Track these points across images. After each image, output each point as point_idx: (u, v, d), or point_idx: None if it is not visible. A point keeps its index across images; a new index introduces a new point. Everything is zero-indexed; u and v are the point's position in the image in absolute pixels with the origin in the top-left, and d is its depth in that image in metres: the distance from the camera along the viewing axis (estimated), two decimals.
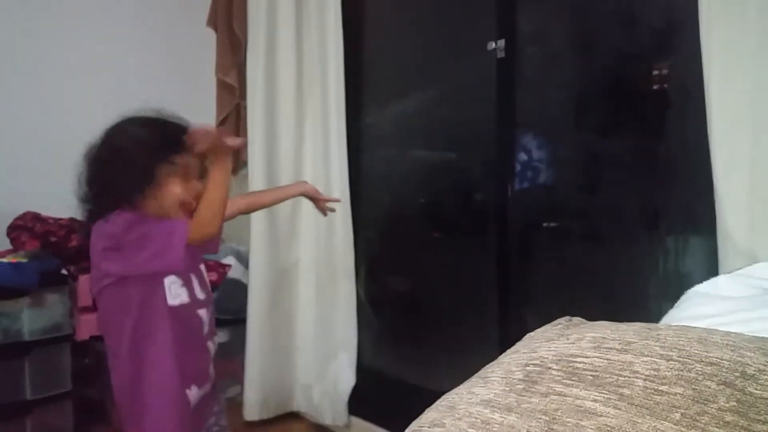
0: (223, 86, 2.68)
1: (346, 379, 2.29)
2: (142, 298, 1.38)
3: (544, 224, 1.99)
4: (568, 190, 1.94)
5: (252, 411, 2.38)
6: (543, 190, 1.99)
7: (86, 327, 2.15)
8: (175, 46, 2.83)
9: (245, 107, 2.54)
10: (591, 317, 0.86)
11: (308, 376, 2.40)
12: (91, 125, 2.58)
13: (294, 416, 2.48)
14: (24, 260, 1.95)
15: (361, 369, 2.32)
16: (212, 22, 2.71)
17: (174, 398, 1.42)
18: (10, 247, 2.18)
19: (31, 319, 1.96)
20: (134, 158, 1.41)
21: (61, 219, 2.24)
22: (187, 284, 1.44)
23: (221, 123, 2.72)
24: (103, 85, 2.64)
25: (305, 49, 2.39)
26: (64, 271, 2.14)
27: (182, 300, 1.42)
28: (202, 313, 1.47)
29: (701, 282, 1.09)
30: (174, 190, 1.41)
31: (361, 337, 2.34)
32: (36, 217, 2.21)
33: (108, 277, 1.37)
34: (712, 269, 1.32)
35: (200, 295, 1.46)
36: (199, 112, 2.82)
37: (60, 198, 2.32)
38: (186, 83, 2.85)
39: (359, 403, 2.30)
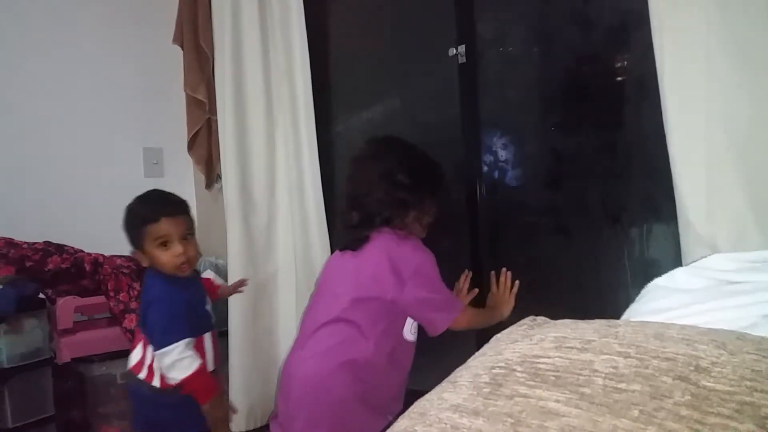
0: (192, 102, 2.68)
1: None
2: (394, 322, 1.53)
3: (513, 222, 2.02)
4: (534, 187, 1.98)
5: (239, 422, 2.38)
6: (510, 188, 2.03)
7: (67, 349, 2.14)
8: (143, 64, 2.82)
9: (216, 121, 2.54)
10: (564, 311, 0.88)
11: None
12: (61, 147, 2.61)
13: None
14: None
15: None
16: (178, 39, 2.70)
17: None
18: None
19: (9, 345, 1.94)
20: (433, 188, 1.61)
21: (35, 243, 2.23)
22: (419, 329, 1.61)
23: (193, 138, 2.72)
24: (73, 108, 2.63)
25: (272, 61, 2.40)
26: (41, 295, 2.12)
27: (413, 339, 1.59)
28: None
29: (670, 271, 1.12)
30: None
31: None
32: (9, 242, 2.19)
33: (389, 294, 1.48)
34: (678, 259, 1.35)
35: None
36: (170, 128, 2.83)
37: (33, 222, 2.34)
38: (156, 101, 2.85)
39: None
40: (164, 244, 1.62)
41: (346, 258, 1.56)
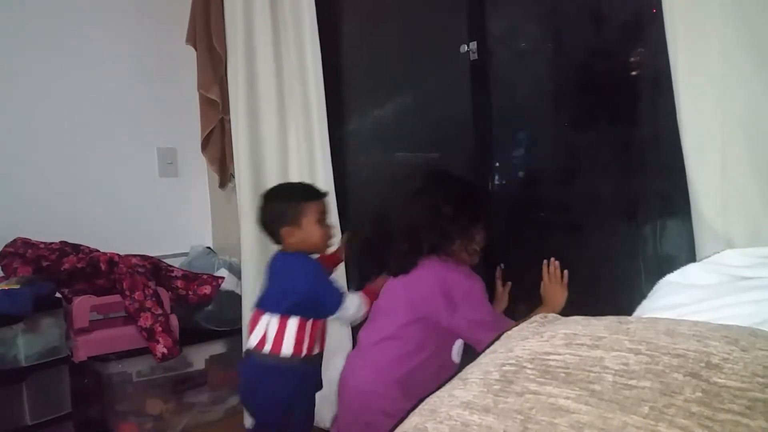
0: (206, 102, 2.69)
1: None
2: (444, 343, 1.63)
3: (526, 218, 2.02)
4: (547, 183, 1.98)
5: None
6: (523, 185, 2.02)
7: (84, 348, 2.17)
8: (156, 65, 2.84)
9: (229, 121, 2.55)
10: (577, 307, 0.87)
11: None
12: (76, 148, 2.64)
13: None
14: (16, 287, 1.96)
15: None
16: (191, 39, 2.71)
17: None
18: (1, 274, 2.19)
19: (26, 344, 1.96)
20: (477, 219, 1.67)
21: (52, 243, 2.25)
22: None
23: (206, 137, 2.73)
24: (87, 109, 2.66)
25: (284, 61, 2.41)
26: (58, 295, 2.14)
27: (458, 361, 1.66)
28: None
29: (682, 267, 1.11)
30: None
31: (355, 340, 2.35)
32: (26, 242, 2.22)
33: (440, 317, 1.57)
34: (693, 255, 1.34)
35: None
36: (184, 128, 2.85)
37: (49, 222, 2.36)
38: (170, 101, 2.87)
39: None
40: (321, 220, 1.79)
41: (398, 281, 1.67)
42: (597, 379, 0.63)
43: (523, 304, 1.91)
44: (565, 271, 1.67)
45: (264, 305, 1.81)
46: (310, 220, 1.77)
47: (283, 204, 1.80)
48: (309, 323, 1.76)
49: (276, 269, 1.83)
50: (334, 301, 1.76)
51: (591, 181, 1.85)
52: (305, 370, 1.80)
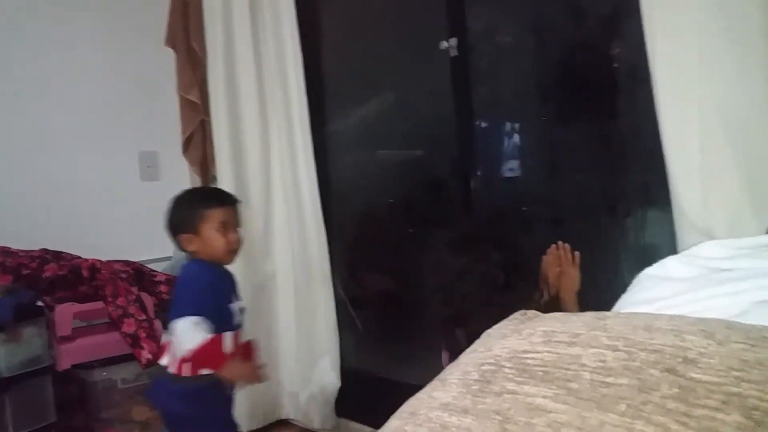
0: (186, 104, 2.67)
1: (331, 382, 2.30)
2: None
3: (509, 214, 2.01)
4: (529, 179, 1.98)
5: (241, 422, 2.37)
6: (505, 181, 2.02)
7: (67, 356, 2.14)
8: (136, 68, 2.81)
9: (210, 123, 2.53)
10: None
11: (294, 383, 2.40)
12: (56, 153, 2.60)
13: (283, 423, 2.49)
14: None
15: (346, 371, 2.34)
16: (170, 41, 2.69)
17: None
18: None
19: (7, 354, 1.94)
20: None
21: (32, 251, 2.22)
22: None
23: (187, 140, 2.71)
24: (68, 113, 2.63)
25: (264, 61, 2.40)
26: (39, 303, 2.12)
27: None
28: None
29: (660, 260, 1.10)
30: None
31: (342, 339, 2.35)
32: (5, 251, 2.19)
33: None
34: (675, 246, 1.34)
35: None
36: (165, 131, 2.82)
37: (29, 230, 2.33)
38: (150, 104, 2.84)
39: (346, 404, 2.32)
40: (223, 229, 1.68)
41: None
42: (574, 377, 0.63)
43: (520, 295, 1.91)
44: (576, 253, 1.56)
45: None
46: (209, 228, 1.66)
47: (183, 209, 1.71)
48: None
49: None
50: (177, 308, 1.61)
51: (573, 175, 1.86)
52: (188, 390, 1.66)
